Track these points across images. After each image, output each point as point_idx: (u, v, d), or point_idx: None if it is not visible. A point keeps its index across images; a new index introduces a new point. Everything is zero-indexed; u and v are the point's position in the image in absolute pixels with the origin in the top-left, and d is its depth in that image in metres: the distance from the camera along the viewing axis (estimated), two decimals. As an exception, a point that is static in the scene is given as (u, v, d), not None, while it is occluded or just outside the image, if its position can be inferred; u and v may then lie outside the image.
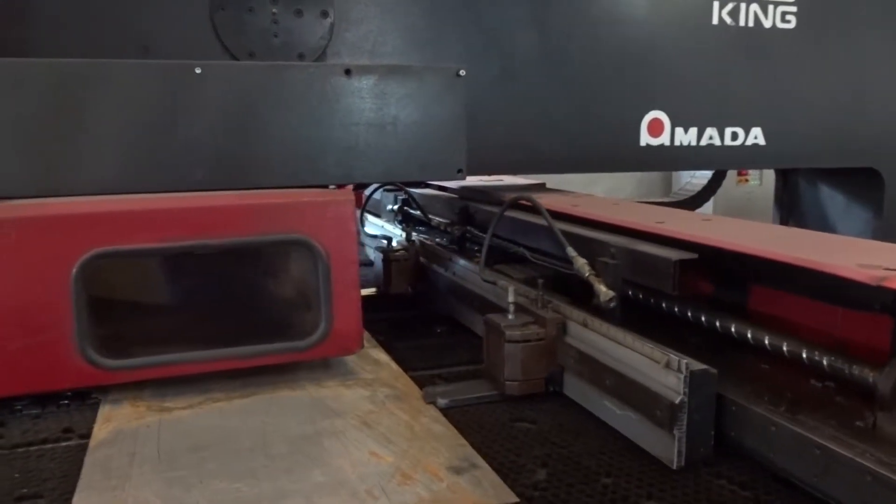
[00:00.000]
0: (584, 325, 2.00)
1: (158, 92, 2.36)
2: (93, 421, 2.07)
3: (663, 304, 2.08)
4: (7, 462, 1.91)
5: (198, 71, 2.37)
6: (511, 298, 2.13)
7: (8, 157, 2.23)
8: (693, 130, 3.71)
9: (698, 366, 1.64)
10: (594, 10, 3.46)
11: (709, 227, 2.19)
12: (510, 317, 2.13)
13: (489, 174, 3.92)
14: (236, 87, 2.44)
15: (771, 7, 3.70)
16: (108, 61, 2.35)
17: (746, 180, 8.91)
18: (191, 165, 2.41)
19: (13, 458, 1.93)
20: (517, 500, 1.60)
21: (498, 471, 1.72)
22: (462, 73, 2.67)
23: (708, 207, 4.86)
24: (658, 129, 3.65)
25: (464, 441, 1.87)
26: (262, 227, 2.21)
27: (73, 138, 2.28)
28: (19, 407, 2.19)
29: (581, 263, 2.08)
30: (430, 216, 3.67)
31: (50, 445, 1.99)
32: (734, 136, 3.78)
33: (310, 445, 1.87)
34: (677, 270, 1.84)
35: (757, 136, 3.82)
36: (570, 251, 2.14)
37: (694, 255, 1.87)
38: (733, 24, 3.68)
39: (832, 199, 4.37)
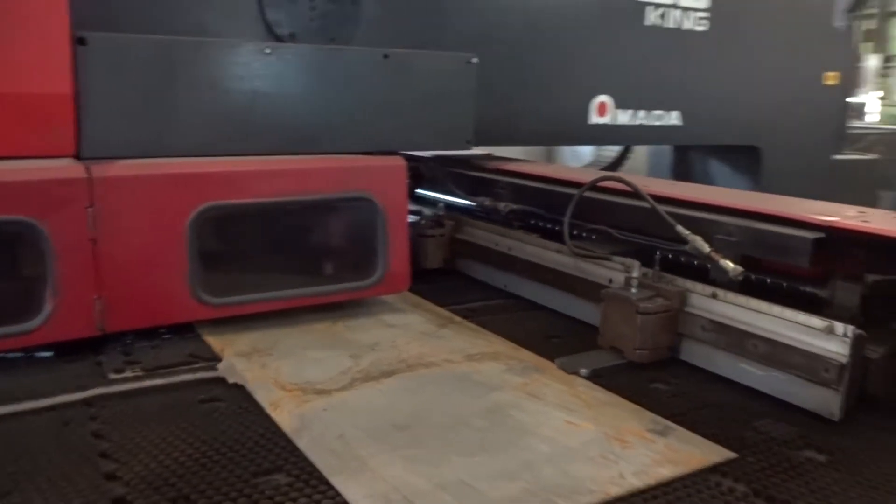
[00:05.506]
0: (714, 296, 2.24)
1: (237, 66, 2.60)
2: (202, 350, 2.34)
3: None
4: (164, 377, 2.10)
5: (267, 51, 2.65)
6: (636, 273, 2.31)
7: (122, 122, 2.42)
8: (630, 112, 4.30)
9: (858, 331, 1.92)
10: (552, 17, 3.95)
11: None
12: (633, 290, 2.32)
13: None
14: (295, 65, 2.73)
15: (691, 13, 4.43)
16: (197, 39, 2.61)
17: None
18: (266, 132, 2.67)
19: (165, 374, 2.13)
20: (734, 454, 1.79)
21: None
22: (474, 60, 3.15)
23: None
24: (604, 110, 4.15)
25: (638, 406, 2.03)
26: (338, 187, 2.64)
27: (172, 106, 2.49)
28: (129, 341, 2.37)
29: (699, 241, 2.30)
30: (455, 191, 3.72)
31: (187, 367, 2.20)
32: (659, 118, 4.36)
33: (504, 418, 1.94)
34: (812, 249, 2.14)
35: (675, 117, 4.44)
36: (681, 229, 2.35)
37: (822, 235, 2.16)
38: (662, 25, 4.33)
39: (720, 171, 5.32)
